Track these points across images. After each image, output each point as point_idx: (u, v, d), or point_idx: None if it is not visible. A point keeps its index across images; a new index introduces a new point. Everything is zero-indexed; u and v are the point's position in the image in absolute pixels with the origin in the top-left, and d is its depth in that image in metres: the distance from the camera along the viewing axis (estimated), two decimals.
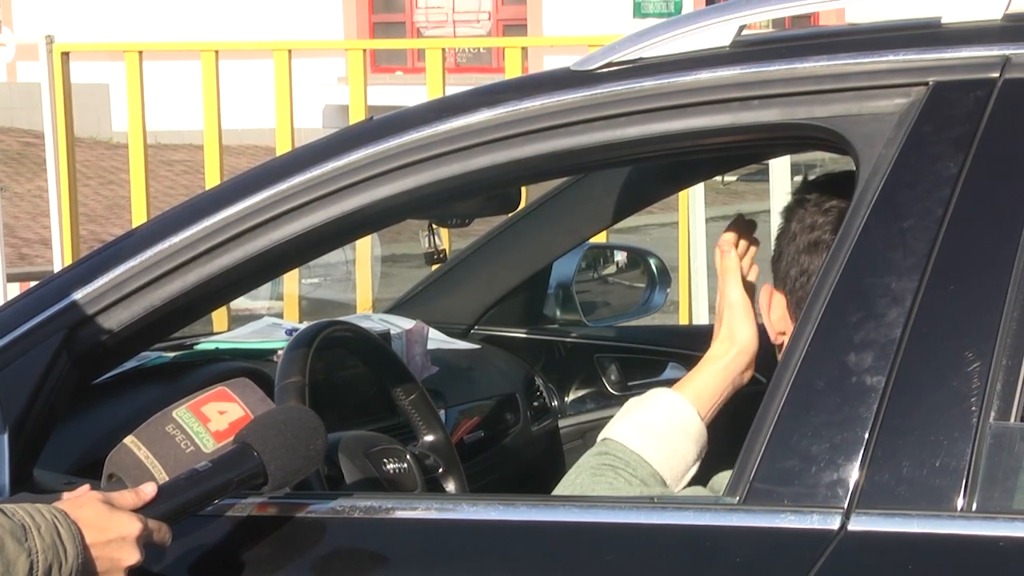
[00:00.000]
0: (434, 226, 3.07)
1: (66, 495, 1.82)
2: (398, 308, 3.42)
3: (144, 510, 1.79)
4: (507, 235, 3.34)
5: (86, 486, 1.84)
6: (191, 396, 1.91)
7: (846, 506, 1.73)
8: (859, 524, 1.72)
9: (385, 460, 2.32)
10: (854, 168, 1.89)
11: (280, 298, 5.19)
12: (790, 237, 2.07)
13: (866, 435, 1.74)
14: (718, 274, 2.17)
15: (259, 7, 18.22)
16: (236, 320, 4.68)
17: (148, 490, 1.80)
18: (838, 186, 2.05)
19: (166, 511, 1.80)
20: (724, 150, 2.28)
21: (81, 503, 1.76)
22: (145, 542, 1.77)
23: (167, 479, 1.83)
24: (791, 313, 2.09)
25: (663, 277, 3.60)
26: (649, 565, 1.80)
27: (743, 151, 2.60)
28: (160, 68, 11.15)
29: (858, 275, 1.81)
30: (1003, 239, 1.77)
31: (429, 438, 2.63)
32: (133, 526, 1.76)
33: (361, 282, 5.41)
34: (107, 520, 1.75)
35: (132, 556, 1.76)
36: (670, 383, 3.36)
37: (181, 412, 1.88)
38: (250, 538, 1.93)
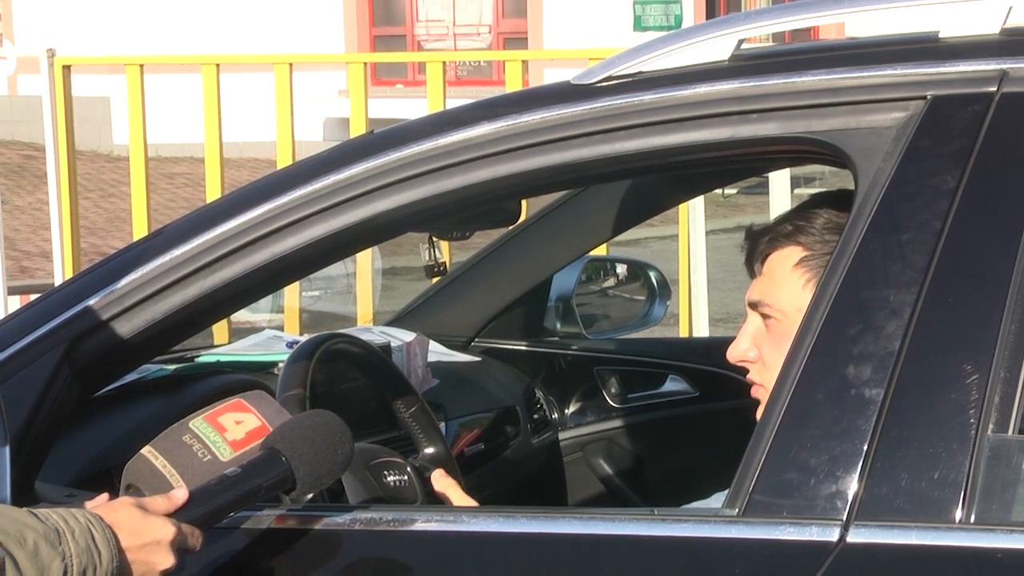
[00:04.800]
0: (434, 239, 3.07)
1: (89, 504, 1.82)
2: (399, 321, 3.42)
3: (176, 515, 1.80)
4: (507, 248, 3.35)
5: (104, 495, 1.85)
6: (207, 408, 1.91)
7: (845, 518, 1.73)
8: (858, 536, 1.72)
9: (386, 472, 2.32)
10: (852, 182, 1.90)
11: (281, 311, 5.19)
12: None
13: (865, 447, 1.74)
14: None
15: (260, 20, 18.24)
16: (237, 333, 4.68)
17: (180, 495, 1.81)
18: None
19: (198, 516, 1.82)
20: (723, 163, 2.29)
21: (115, 507, 1.77)
22: (178, 546, 1.78)
23: (185, 488, 1.84)
24: None
25: (663, 290, 3.61)
26: None
27: (742, 164, 2.61)
28: (161, 81, 11.15)
29: (857, 288, 1.81)
30: (1001, 252, 1.78)
31: (430, 450, 2.63)
32: (167, 530, 1.77)
33: (362, 295, 5.41)
34: (141, 524, 1.75)
35: (167, 560, 1.77)
36: (670, 395, 3.39)
37: (198, 422, 1.89)
38: (250, 551, 1.93)
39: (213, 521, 1.84)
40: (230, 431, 1.89)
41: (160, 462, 1.85)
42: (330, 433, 1.90)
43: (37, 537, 1.66)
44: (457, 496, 2.19)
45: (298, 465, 1.86)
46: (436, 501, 2.25)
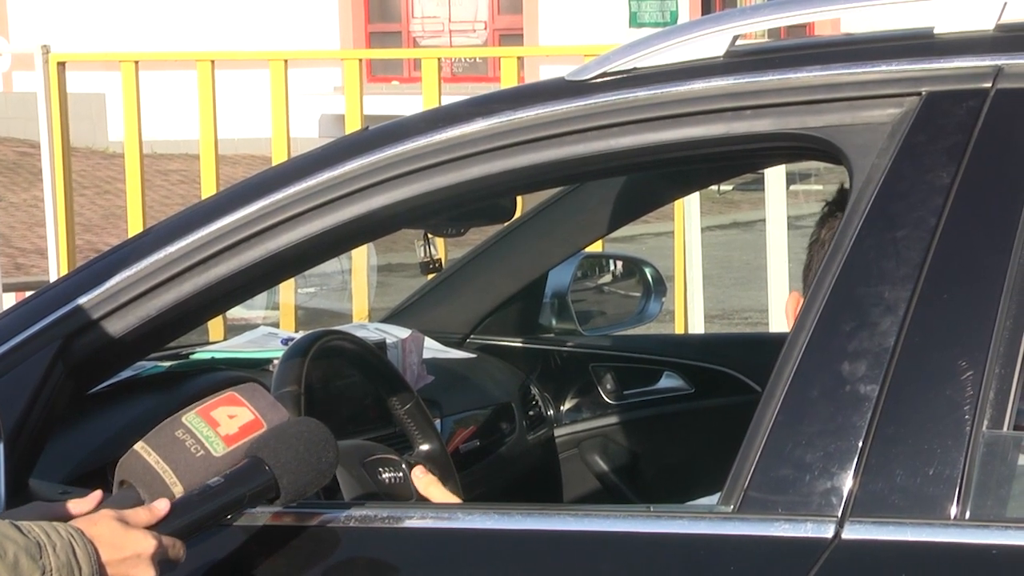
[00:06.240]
0: (429, 236, 3.07)
1: (72, 503, 1.82)
2: (394, 317, 3.42)
3: (158, 527, 1.79)
4: (502, 245, 3.35)
5: (98, 492, 1.84)
6: (200, 401, 1.91)
7: (840, 514, 1.73)
8: (853, 532, 1.72)
9: (381, 470, 2.32)
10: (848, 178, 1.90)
11: (276, 308, 5.20)
12: (819, 245, 2.07)
13: (860, 444, 1.74)
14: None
15: (255, 17, 18.23)
16: (232, 330, 4.69)
17: (161, 507, 1.80)
18: None
19: (180, 527, 1.81)
20: (718, 160, 2.28)
21: (96, 520, 1.76)
22: (160, 559, 1.78)
23: (178, 483, 1.83)
24: None
25: (658, 286, 3.61)
26: (644, 574, 1.81)
27: (737, 161, 2.61)
28: (156, 78, 11.14)
29: (852, 284, 1.81)
30: (995, 248, 1.78)
31: (425, 447, 2.63)
32: (148, 543, 1.76)
33: (357, 291, 5.41)
34: (122, 537, 1.75)
35: (147, 573, 1.76)
36: (665, 392, 3.39)
37: (191, 417, 1.88)
38: (244, 547, 1.93)
39: (196, 532, 1.83)
40: (223, 426, 1.88)
41: (153, 458, 1.85)
42: (314, 441, 1.89)
43: (18, 550, 1.66)
44: (438, 493, 2.19)
45: (282, 474, 1.85)
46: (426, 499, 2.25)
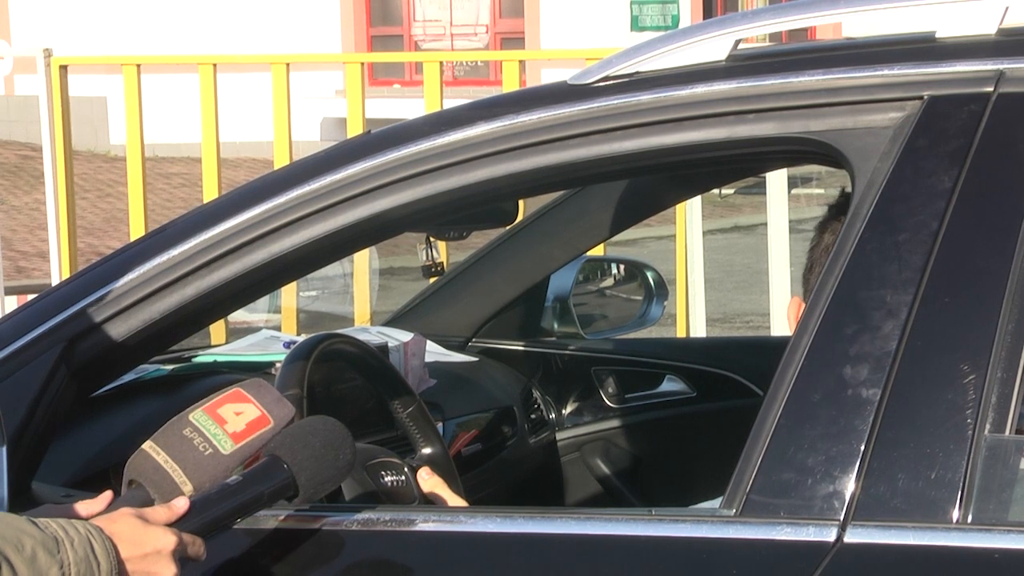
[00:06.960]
0: (431, 239, 3.07)
1: (81, 505, 1.82)
2: (396, 321, 3.42)
3: (177, 524, 1.79)
4: (504, 248, 3.35)
5: (108, 493, 1.85)
6: (207, 399, 1.91)
7: (842, 518, 1.73)
8: (855, 536, 1.73)
9: (383, 473, 2.32)
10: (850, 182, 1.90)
11: (278, 311, 5.19)
12: (821, 250, 2.08)
13: (862, 447, 1.74)
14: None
15: (257, 20, 18.24)
16: (234, 333, 4.68)
17: (181, 504, 1.80)
18: None
19: (199, 525, 1.81)
20: (720, 163, 2.29)
21: (115, 518, 1.77)
22: (180, 556, 1.78)
23: (188, 482, 1.84)
24: None
25: (660, 290, 3.61)
26: None
27: (739, 164, 2.61)
28: (158, 81, 11.16)
29: (854, 288, 1.82)
30: (997, 252, 1.78)
31: (427, 451, 2.63)
32: (168, 540, 1.76)
33: (359, 295, 5.41)
34: (142, 534, 1.75)
35: (168, 570, 1.76)
36: (667, 395, 3.39)
37: (197, 415, 1.88)
38: (248, 550, 1.93)
39: (214, 530, 1.84)
40: (230, 423, 1.88)
41: (162, 457, 1.85)
42: (331, 439, 1.90)
43: (35, 544, 1.66)
44: (446, 494, 2.19)
45: (299, 472, 1.85)
46: (431, 501, 2.25)
